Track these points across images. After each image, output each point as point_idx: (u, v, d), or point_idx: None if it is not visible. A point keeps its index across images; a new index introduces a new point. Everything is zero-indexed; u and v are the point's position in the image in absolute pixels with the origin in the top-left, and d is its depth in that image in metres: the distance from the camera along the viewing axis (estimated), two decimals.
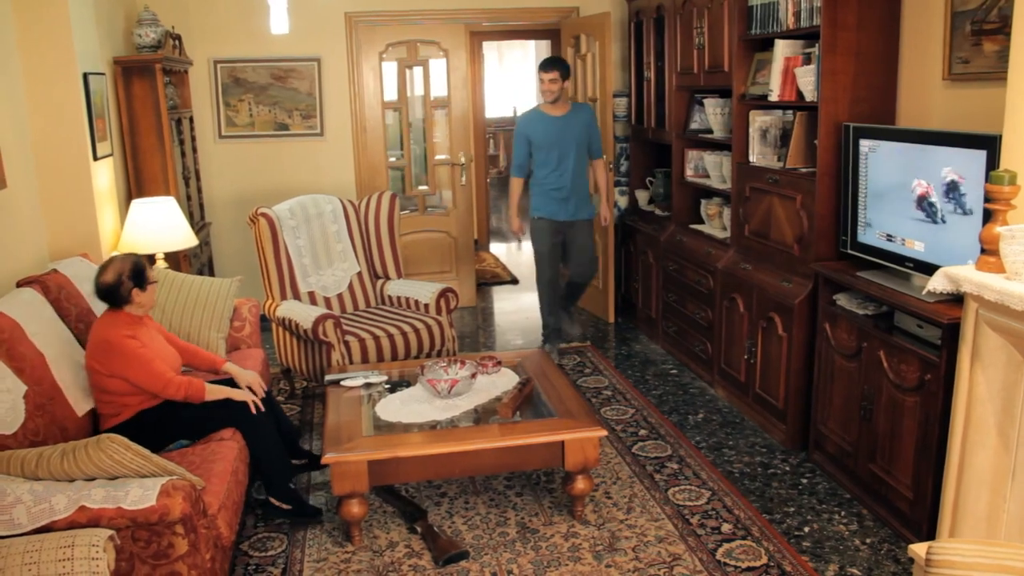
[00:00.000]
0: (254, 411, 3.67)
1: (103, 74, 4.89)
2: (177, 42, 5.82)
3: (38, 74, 4.34)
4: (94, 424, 3.60)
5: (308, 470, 4.18)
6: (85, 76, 4.50)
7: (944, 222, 3.37)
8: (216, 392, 3.63)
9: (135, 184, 5.30)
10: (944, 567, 1.89)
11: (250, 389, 3.78)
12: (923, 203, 3.48)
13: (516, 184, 5.93)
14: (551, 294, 5.94)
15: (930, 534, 3.27)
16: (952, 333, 3.08)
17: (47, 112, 4.39)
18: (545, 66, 5.68)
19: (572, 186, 5.73)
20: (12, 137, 4.08)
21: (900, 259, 3.63)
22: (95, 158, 4.60)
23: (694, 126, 5.76)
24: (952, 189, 3.30)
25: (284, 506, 3.75)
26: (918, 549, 2.42)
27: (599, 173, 6.01)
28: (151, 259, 5.01)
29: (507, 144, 14.61)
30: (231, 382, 3.82)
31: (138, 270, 3.59)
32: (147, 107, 5.24)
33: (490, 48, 10.61)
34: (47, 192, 4.43)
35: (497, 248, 10.09)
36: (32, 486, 2.72)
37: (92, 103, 4.57)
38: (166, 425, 3.56)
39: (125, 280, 3.55)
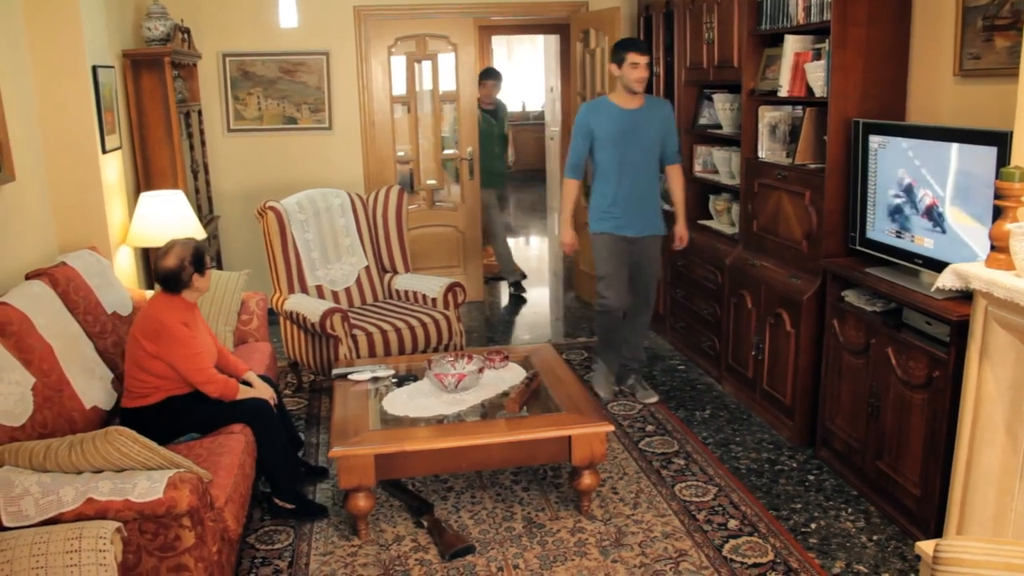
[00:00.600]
0: (274, 406, 3.72)
1: (112, 67, 4.90)
2: (186, 35, 5.82)
3: (47, 67, 4.35)
4: (104, 416, 3.61)
5: (310, 482, 4.16)
6: (94, 69, 4.51)
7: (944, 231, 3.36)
8: (244, 392, 3.68)
9: (143, 177, 5.32)
10: (952, 565, 1.88)
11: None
12: (931, 212, 3.47)
13: (571, 187, 4.91)
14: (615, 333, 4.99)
15: (937, 531, 3.26)
16: (961, 330, 3.06)
17: (56, 105, 4.39)
18: (640, 47, 4.78)
19: (642, 194, 4.87)
20: (21, 130, 4.09)
21: (909, 256, 3.61)
22: (104, 151, 4.60)
23: (703, 121, 5.74)
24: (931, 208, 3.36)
25: (288, 506, 3.76)
26: (925, 547, 2.41)
27: (675, 181, 5.06)
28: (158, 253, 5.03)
29: (515, 139, 14.58)
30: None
31: (199, 255, 3.64)
32: (156, 100, 5.25)
33: (499, 43, 10.59)
34: (56, 185, 4.45)
35: None
36: (40, 478, 2.73)
37: (101, 96, 4.58)
38: (184, 416, 3.59)
39: (187, 265, 3.59)
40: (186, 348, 3.53)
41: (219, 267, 6.19)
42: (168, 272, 3.59)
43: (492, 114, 7.64)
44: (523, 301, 7.49)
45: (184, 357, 3.52)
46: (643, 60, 4.69)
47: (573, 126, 4.92)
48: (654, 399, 4.99)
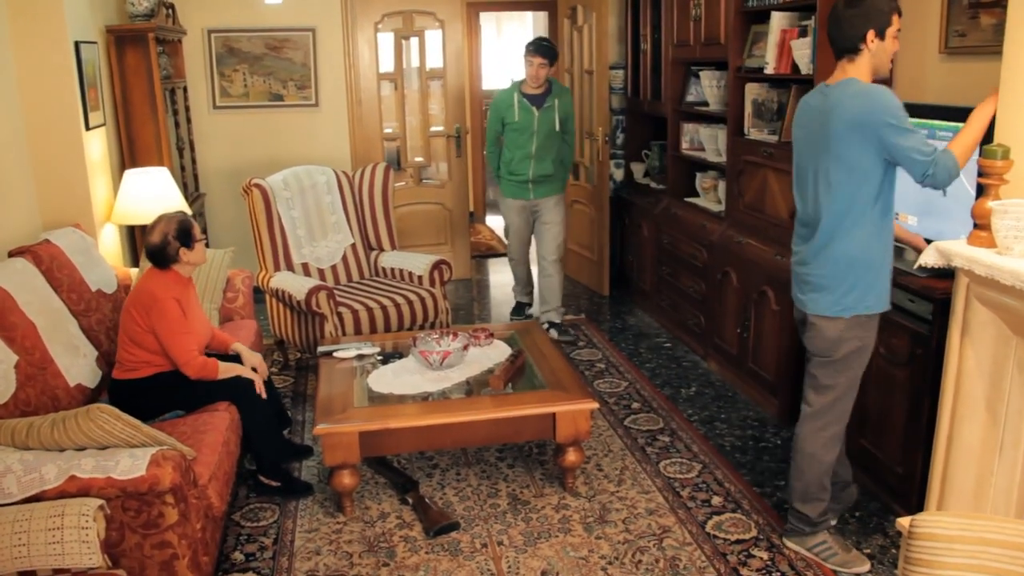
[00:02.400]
0: (261, 392, 3.71)
1: (95, 43, 4.85)
2: (170, 11, 5.76)
3: (28, 43, 4.30)
4: (89, 394, 3.61)
5: (295, 460, 4.14)
6: (77, 45, 4.46)
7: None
8: (226, 371, 3.67)
9: (128, 154, 5.27)
10: (926, 539, 1.90)
11: (254, 370, 3.81)
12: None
13: None
14: None
15: (919, 507, 3.28)
16: (943, 308, 3.08)
17: (38, 81, 4.35)
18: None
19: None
20: (3, 107, 4.05)
21: None
22: (87, 128, 4.57)
23: (690, 99, 5.73)
24: None
25: (273, 483, 3.77)
26: (905, 522, 2.43)
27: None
28: (144, 229, 5.01)
29: None
30: (237, 359, 3.86)
31: (183, 229, 3.62)
32: (140, 77, 5.20)
33: (488, 19, 10.52)
34: (39, 162, 4.41)
35: (493, 220, 10.06)
36: (22, 456, 2.73)
37: (84, 72, 4.53)
38: (171, 392, 3.59)
39: (171, 240, 3.58)
40: (173, 325, 3.53)
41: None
42: (153, 248, 3.59)
43: (535, 100, 5.60)
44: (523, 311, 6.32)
45: (169, 332, 3.52)
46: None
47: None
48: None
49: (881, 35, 2.81)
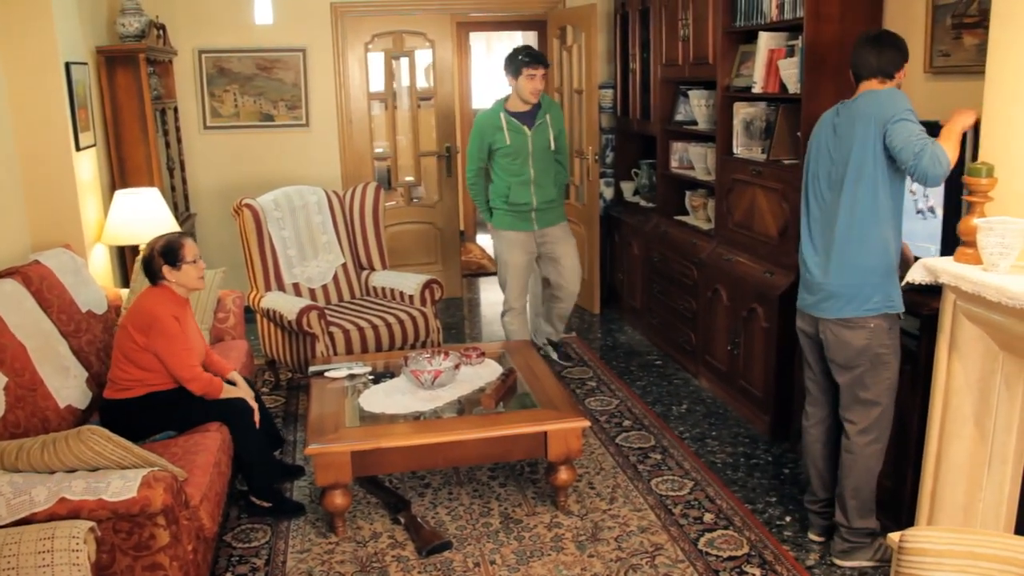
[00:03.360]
0: (256, 421, 3.71)
1: (86, 64, 4.87)
2: (161, 32, 5.79)
3: (19, 63, 4.31)
4: (79, 415, 3.60)
5: (287, 480, 4.13)
6: (67, 66, 4.47)
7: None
8: (228, 391, 3.68)
9: (119, 175, 5.29)
10: (915, 554, 1.91)
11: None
12: None
13: None
14: None
15: (909, 522, 3.29)
16: (931, 323, 3.10)
17: (29, 102, 4.36)
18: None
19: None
20: None
21: None
22: (78, 148, 4.57)
23: (679, 118, 5.77)
24: None
25: (264, 504, 3.76)
26: (895, 537, 2.44)
27: None
28: (135, 250, 5.01)
29: None
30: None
31: (168, 248, 3.63)
32: (131, 97, 5.22)
33: (478, 39, 10.57)
34: (29, 183, 4.41)
35: (483, 240, 10.08)
36: (12, 478, 2.72)
37: (75, 93, 4.55)
38: (164, 411, 3.59)
39: (155, 256, 3.61)
40: (175, 343, 3.53)
41: None
42: (142, 261, 3.65)
43: (524, 119, 5.11)
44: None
45: (172, 352, 3.52)
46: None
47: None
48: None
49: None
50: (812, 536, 3.49)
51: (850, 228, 3.04)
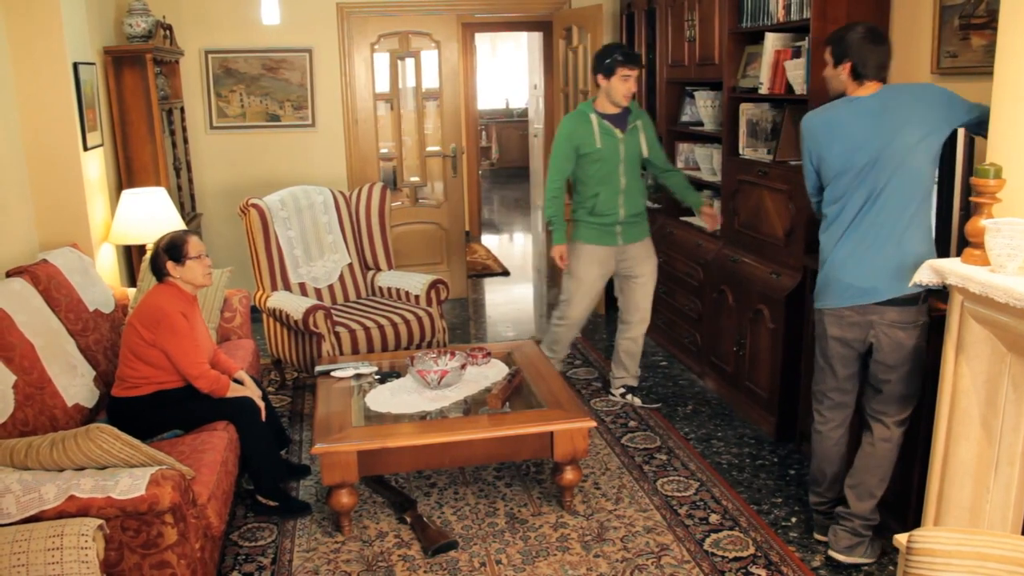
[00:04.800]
0: (263, 418, 3.73)
1: (93, 64, 4.88)
2: (168, 32, 5.81)
3: (27, 64, 4.33)
4: (87, 413, 3.61)
5: (292, 479, 4.15)
6: (75, 66, 4.49)
7: None
8: (235, 390, 3.70)
9: (125, 174, 5.30)
10: (924, 555, 1.91)
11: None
12: None
13: None
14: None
15: (915, 524, 3.29)
16: (938, 325, 3.10)
17: (37, 102, 4.37)
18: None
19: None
20: (1, 128, 4.07)
21: None
22: (85, 148, 4.59)
23: (685, 119, 5.77)
24: None
25: (271, 503, 3.77)
26: (902, 539, 2.44)
27: None
28: (141, 249, 5.03)
29: (500, 136, 14.63)
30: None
31: (172, 244, 3.65)
32: (138, 97, 5.23)
33: (483, 40, 10.61)
34: (37, 182, 4.43)
35: (489, 240, 10.10)
36: (21, 476, 2.73)
37: (82, 93, 4.56)
38: (172, 410, 3.60)
39: (160, 252, 3.63)
40: (183, 339, 3.55)
41: None
42: (148, 260, 3.68)
43: (617, 122, 4.59)
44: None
45: (180, 349, 3.54)
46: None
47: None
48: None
49: None
50: (819, 537, 3.49)
51: (911, 210, 3.07)
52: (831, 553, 3.36)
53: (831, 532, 3.38)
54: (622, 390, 4.95)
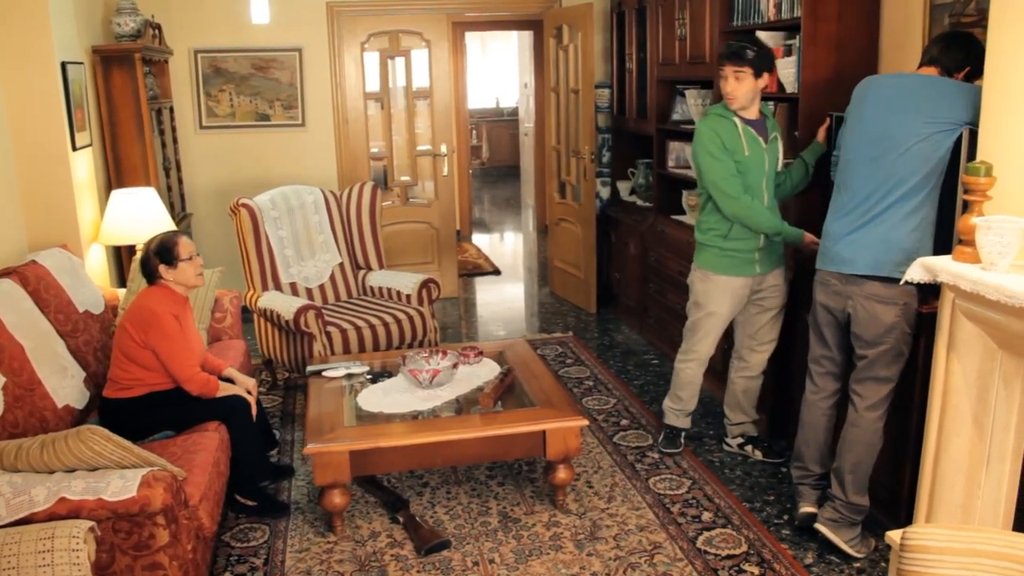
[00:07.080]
0: (254, 414, 3.72)
1: (81, 63, 4.85)
2: (157, 31, 5.78)
3: (15, 63, 4.30)
4: (77, 415, 3.59)
5: (277, 480, 4.12)
6: (63, 65, 4.46)
7: None
8: (225, 389, 3.69)
9: (115, 174, 5.27)
10: (918, 552, 1.92)
11: (248, 393, 3.81)
12: None
13: None
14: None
15: (907, 521, 3.30)
16: (929, 322, 3.11)
17: (24, 101, 4.35)
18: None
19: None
20: None
21: None
22: (74, 148, 4.57)
23: (675, 117, 5.77)
24: None
25: (249, 502, 3.76)
26: (895, 536, 2.45)
27: None
28: (131, 250, 5.00)
29: (490, 135, 14.63)
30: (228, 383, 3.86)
31: (163, 247, 3.64)
32: (127, 97, 5.21)
33: (473, 39, 10.60)
34: (25, 183, 4.40)
35: (479, 239, 10.09)
36: (11, 478, 2.71)
37: (71, 92, 4.54)
38: (163, 412, 3.59)
39: (151, 256, 3.62)
40: (174, 341, 3.54)
41: None
42: (139, 262, 3.67)
43: (760, 130, 3.88)
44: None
45: (170, 351, 3.53)
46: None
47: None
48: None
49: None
50: (806, 509, 3.53)
51: (924, 188, 3.13)
52: (816, 525, 3.41)
53: (824, 506, 3.44)
54: (740, 439, 4.29)
